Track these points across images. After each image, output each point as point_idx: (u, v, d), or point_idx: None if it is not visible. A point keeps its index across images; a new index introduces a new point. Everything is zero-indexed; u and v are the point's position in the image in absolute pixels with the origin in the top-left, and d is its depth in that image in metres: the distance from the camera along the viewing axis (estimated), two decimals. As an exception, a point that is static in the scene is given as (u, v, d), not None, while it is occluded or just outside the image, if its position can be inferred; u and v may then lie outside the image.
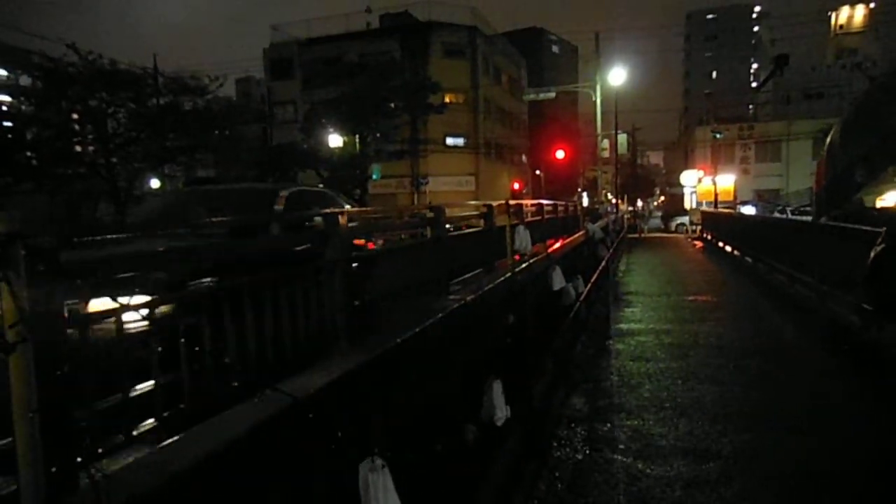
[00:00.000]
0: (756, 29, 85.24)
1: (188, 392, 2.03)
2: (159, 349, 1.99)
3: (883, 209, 11.71)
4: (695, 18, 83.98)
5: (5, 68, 43.54)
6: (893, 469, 3.57)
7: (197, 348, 2.03)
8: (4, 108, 22.62)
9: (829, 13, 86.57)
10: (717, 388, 6.21)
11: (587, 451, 4.89)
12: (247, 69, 52.47)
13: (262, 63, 41.40)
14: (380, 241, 6.48)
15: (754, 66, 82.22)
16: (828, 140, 2.98)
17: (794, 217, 22.37)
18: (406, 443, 3.00)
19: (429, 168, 35.57)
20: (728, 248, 19.66)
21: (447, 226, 5.12)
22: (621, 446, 4.91)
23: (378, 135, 29.20)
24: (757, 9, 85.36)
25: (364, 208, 21.25)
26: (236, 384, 2.08)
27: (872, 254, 3.16)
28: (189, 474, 1.58)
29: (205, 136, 22.46)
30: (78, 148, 20.04)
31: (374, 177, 30.20)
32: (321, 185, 27.54)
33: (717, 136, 39.90)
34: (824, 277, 9.22)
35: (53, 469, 1.54)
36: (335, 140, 27.33)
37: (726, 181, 39.72)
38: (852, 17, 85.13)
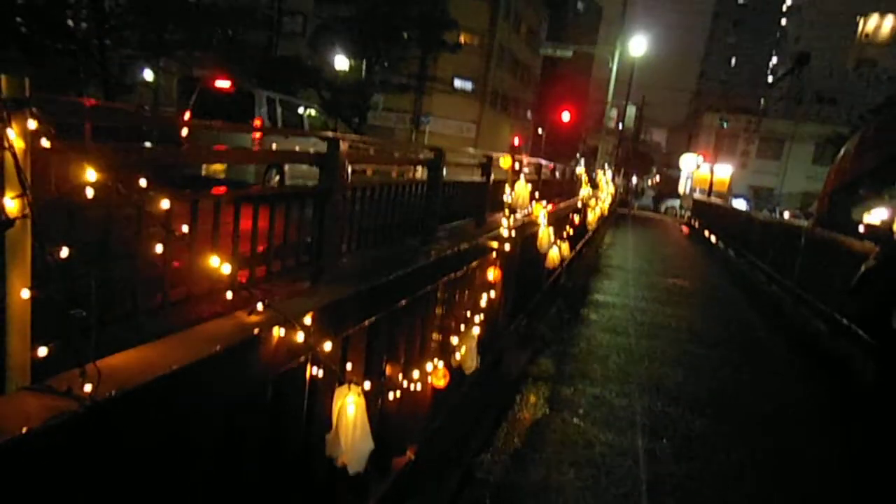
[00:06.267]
0: (783, 22, 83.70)
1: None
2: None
3: (868, 226, 11.83)
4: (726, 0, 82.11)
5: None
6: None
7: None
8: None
9: (858, 17, 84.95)
10: (681, 370, 6.38)
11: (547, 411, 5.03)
12: (259, -30, 50.15)
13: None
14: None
15: (774, 59, 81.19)
16: (842, 150, 2.96)
17: (785, 219, 22.58)
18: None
19: (432, 108, 34.87)
20: (713, 238, 19.84)
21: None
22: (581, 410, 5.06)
23: (386, 64, 28.43)
24: (788, 2, 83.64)
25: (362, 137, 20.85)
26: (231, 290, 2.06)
27: (863, 268, 3.19)
28: (183, 374, 1.57)
29: (206, 33, 21.66)
30: (70, 22, 19.11)
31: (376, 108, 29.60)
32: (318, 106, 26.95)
33: (724, 123, 39.63)
34: (802, 282, 9.38)
35: (42, 348, 1.52)
36: (342, 62, 26.58)
37: (723, 172, 39.82)
38: (879, 27, 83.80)
